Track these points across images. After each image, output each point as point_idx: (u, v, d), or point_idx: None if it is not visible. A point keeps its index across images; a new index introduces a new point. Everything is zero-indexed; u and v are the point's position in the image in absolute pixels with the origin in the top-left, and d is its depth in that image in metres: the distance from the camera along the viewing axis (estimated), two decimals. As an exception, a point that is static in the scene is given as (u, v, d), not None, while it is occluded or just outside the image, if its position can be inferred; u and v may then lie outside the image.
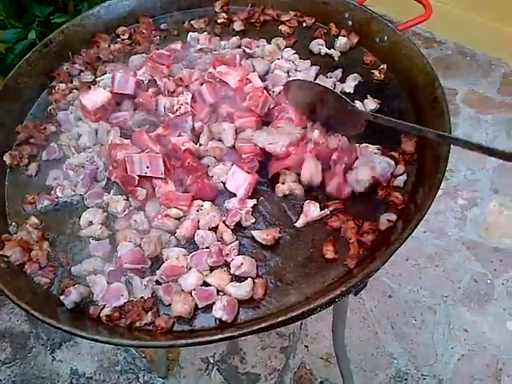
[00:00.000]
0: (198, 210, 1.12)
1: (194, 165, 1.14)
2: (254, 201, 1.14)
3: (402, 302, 2.28)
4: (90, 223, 1.13)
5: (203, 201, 1.14)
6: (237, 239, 1.10)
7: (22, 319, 2.29)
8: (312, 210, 1.11)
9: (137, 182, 1.14)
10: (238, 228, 1.12)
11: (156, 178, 1.15)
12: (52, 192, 1.20)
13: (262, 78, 1.35)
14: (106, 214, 1.15)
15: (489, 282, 2.32)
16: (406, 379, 2.07)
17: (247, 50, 1.45)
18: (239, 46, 1.47)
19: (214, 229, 1.11)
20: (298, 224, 1.10)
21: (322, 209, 1.12)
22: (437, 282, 2.33)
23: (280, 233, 1.10)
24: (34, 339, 2.23)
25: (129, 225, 1.12)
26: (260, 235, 1.09)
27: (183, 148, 1.14)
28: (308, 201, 1.13)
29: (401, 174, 1.16)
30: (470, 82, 3.13)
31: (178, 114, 1.21)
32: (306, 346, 2.18)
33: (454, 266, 2.37)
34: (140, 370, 2.13)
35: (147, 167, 1.13)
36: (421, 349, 2.15)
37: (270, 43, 1.49)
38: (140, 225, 1.10)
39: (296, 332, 2.21)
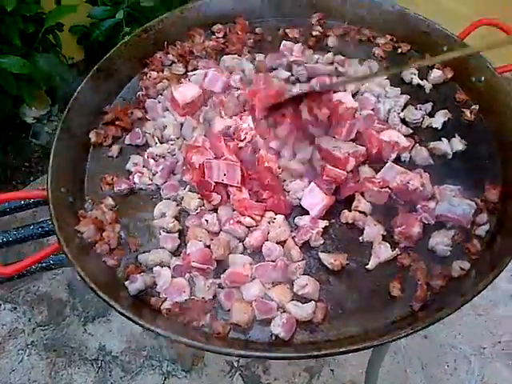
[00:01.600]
0: (269, 222, 1.12)
1: (272, 184, 1.15)
2: (326, 222, 1.13)
3: (438, 345, 2.20)
4: (163, 215, 1.15)
5: (276, 213, 1.14)
6: (303, 258, 1.09)
7: (62, 287, 2.35)
8: (383, 252, 1.09)
9: (213, 187, 1.15)
10: (306, 247, 1.11)
11: (232, 185, 1.16)
12: (130, 177, 1.23)
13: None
14: (179, 208, 1.17)
15: (532, 342, 2.21)
16: (429, 424, 2.02)
17: (340, 68, 1.43)
18: (332, 63, 1.46)
19: (282, 243, 1.11)
20: (370, 266, 1.08)
21: (391, 245, 1.10)
22: (477, 332, 2.23)
23: (347, 259, 1.09)
24: (69, 308, 2.29)
25: (200, 223, 1.13)
26: (327, 259, 1.08)
27: (266, 164, 1.15)
28: (379, 242, 1.11)
29: (484, 224, 1.12)
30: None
31: (243, 144, 1.21)
32: (332, 370, 2.14)
33: (498, 319, 2.27)
34: (165, 359, 2.15)
35: (224, 174, 1.14)
36: (449, 396, 2.08)
37: (361, 64, 1.47)
38: (211, 226, 1.11)
39: (324, 353, 2.18)
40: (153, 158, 1.24)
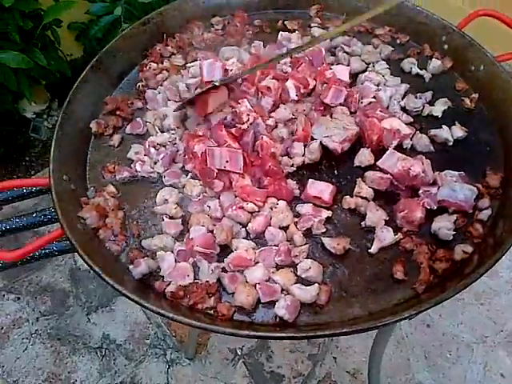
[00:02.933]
0: (271, 208, 1.12)
1: (274, 169, 1.15)
2: (330, 213, 1.13)
3: (440, 334, 2.21)
4: (166, 201, 1.15)
5: (278, 199, 1.14)
6: (306, 243, 1.09)
7: (65, 277, 2.37)
8: (386, 236, 1.09)
9: (215, 174, 1.15)
10: (308, 232, 1.12)
11: (234, 172, 1.16)
12: (132, 165, 1.24)
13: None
14: (181, 194, 1.17)
15: (534, 330, 2.21)
16: (432, 412, 2.02)
17: (346, 48, 1.45)
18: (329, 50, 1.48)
19: (285, 228, 1.11)
20: (373, 250, 1.09)
21: (394, 229, 1.11)
22: (479, 321, 2.24)
23: (350, 244, 1.09)
24: (73, 298, 2.31)
25: (202, 209, 1.13)
26: (330, 243, 1.08)
27: (272, 150, 1.16)
28: (381, 226, 1.11)
29: (486, 208, 1.12)
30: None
31: (246, 126, 1.20)
32: (335, 358, 2.15)
33: (500, 308, 2.28)
34: (168, 347, 2.16)
35: (226, 161, 1.14)
36: (452, 384, 2.08)
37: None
38: (213, 212, 1.11)
39: (327, 342, 2.18)
40: (154, 147, 1.24)
